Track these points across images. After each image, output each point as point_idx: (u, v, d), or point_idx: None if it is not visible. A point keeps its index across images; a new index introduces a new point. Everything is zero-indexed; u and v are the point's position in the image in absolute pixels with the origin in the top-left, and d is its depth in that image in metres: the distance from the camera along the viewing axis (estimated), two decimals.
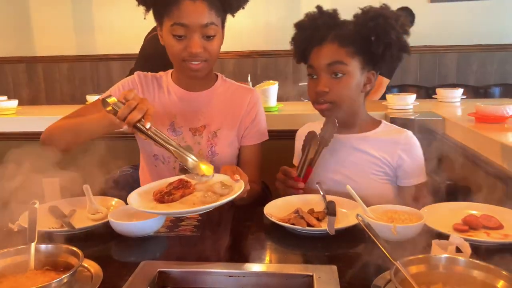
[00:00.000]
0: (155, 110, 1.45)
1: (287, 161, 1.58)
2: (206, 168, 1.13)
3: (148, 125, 1.11)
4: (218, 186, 1.12)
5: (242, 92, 1.55)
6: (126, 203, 1.25)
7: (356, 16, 1.38)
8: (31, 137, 2.28)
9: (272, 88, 2.29)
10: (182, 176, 1.17)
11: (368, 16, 1.34)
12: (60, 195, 1.53)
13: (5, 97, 2.74)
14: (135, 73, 1.54)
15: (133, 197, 1.14)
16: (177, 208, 1.09)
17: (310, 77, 1.40)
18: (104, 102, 1.12)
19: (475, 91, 3.73)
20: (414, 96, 2.33)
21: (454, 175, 1.51)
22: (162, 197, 1.11)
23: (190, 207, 1.08)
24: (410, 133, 1.45)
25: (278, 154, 1.60)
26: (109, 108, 1.12)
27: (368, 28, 1.32)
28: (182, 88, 1.51)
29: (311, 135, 1.41)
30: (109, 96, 1.13)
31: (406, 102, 2.29)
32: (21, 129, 2.35)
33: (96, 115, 1.28)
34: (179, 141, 1.47)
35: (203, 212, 1.10)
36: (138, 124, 1.11)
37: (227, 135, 1.50)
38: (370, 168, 1.41)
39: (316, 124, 1.52)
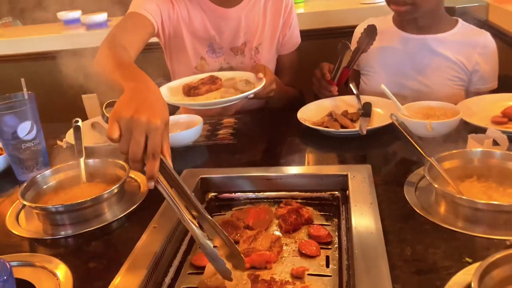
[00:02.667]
0: (193, 32, 1.39)
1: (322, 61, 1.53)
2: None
3: (151, 184, 0.70)
4: (242, 84, 1.17)
5: None
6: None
7: None
8: None
9: None
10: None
11: None
12: (100, 110, 1.59)
13: None
14: None
15: (163, 89, 1.22)
16: (200, 101, 1.16)
17: None
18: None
19: None
20: None
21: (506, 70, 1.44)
22: (189, 91, 1.18)
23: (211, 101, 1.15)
24: (489, 35, 1.35)
25: (311, 56, 1.56)
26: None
27: None
28: (215, 4, 1.39)
29: (344, 46, 1.31)
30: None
31: None
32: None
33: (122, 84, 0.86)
34: (220, 63, 1.43)
35: (223, 105, 1.17)
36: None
37: (269, 48, 1.46)
38: (446, 74, 1.34)
39: (379, 19, 1.43)
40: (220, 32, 1.42)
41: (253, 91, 1.13)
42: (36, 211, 0.89)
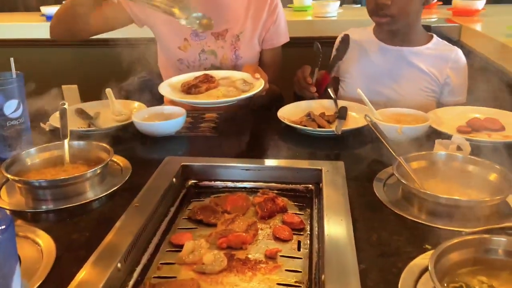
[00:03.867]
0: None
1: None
2: (208, 22, 1.19)
3: None
4: (240, 83, 1.23)
5: None
6: (148, 105, 1.33)
7: None
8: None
9: None
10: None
11: None
12: (80, 101, 1.60)
13: None
14: None
15: (164, 87, 1.25)
16: (203, 99, 1.21)
17: None
18: None
19: None
20: (338, 3, 2.30)
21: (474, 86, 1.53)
22: (190, 89, 1.23)
23: (214, 99, 1.20)
24: (460, 52, 1.44)
25: (293, 62, 1.63)
26: None
27: None
28: None
29: (317, 46, 1.40)
30: None
31: (331, 9, 2.26)
32: None
33: None
34: (202, 46, 1.51)
35: (226, 104, 1.21)
36: None
37: (250, 38, 1.53)
38: (420, 84, 1.42)
39: (361, 30, 1.51)
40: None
41: (257, 90, 1.20)
42: (19, 185, 0.91)
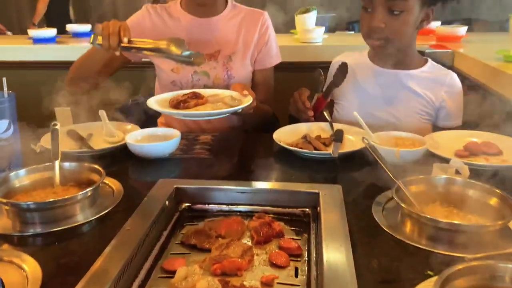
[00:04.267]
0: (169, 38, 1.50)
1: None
2: (200, 58, 1.25)
3: (126, 40, 1.19)
4: (229, 99, 1.23)
5: (253, 16, 1.57)
6: (141, 128, 1.32)
7: None
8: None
9: (312, 14, 2.44)
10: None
11: None
12: (72, 124, 1.58)
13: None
14: (144, 5, 1.57)
15: (152, 102, 1.25)
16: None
17: (364, 10, 1.33)
18: (92, 41, 1.24)
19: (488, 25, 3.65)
20: (323, 29, 2.35)
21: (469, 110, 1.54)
22: (178, 104, 1.23)
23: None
24: (455, 75, 1.44)
25: (289, 85, 1.63)
26: (97, 43, 1.23)
27: None
28: (192, 15, 1.52)
29: (318, 73, 1.40)
30: (94, 35, 1.24)
31: (316, 35, 2.30)
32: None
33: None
34: (194, 67, 1.52)
35: (215, 117, 1.22)
36: (122, 45, 1.20)
37: (242, 58, 1.53)
38: (415, 107, 1.42)
39: (355, 54, 1.52)
40: (196, 40, 1.52)
41: (244, 105, 1.21)
42: (6, 207, 0.88)
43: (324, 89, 1.42)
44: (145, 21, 1.53)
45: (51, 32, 2.52)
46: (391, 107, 1.42)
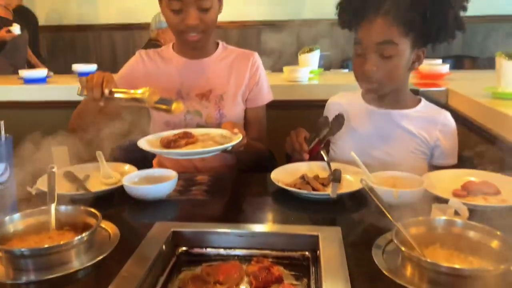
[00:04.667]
0: (162, 80, 1.54)
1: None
2: (177, 105, 1.24)
3: (106, 91, 1.20)
4: (219, 137, 1.25)
5: (244, 56, 1.61)
6: (138, 169, 1.31)
7: None
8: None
9: (316, 53, 2.55)
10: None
11: None
12: (69, 164, 1.57)
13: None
14: (137, 51, 1.61)
15: (142, 142, 1.25)
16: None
17: (356, 52, 1.35)
18: (80, 93, 1.25)
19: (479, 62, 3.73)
20: (308, 68, 2.41)
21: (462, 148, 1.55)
22: (169, 144, 1.23)
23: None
24: (448, 114, 1.46)
25: (284, 123, 1.64)
26: (84, 95, 1.25)
27: (424, 5, 1.25)
28: (184, 57, 1.56)
29: (325, 122, 1.40)
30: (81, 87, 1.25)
31: (301, 75, 2.36)
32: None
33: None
34: (187, 107, 1.54)
35: (205, 155, 1.22)
36: (105, 96, 1.21)
37: (233, 97, 1.56)
38: (410, 146, 1.42)
39: (349, 94, 1.54)
40: (188, 80, 1.55)
41: (233, 143, 1.21)
42: (0, 253, 0.86)
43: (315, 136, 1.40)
44: (138, 67, 1.58)
45: (42, 72, 2.58)
46: (386, 146, 1.43)
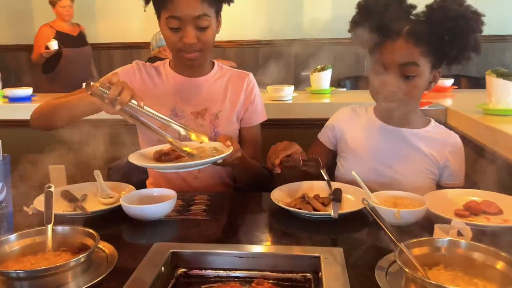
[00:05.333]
0: (157, 96, 1.54)
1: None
2: (200, 137, 1.23)
3: (137, 102, 1.13)
4: (211, 151, 1.23)
5: (239, 77, 1.61)
6: (136, 189, 1.30)
7: (430, 8, 1.29)
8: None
9: (328, 72, 2.60)
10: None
11: (447, 15, 1.25)
12: (66, 182, 1.56)
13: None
14: (134, 61, 1.60)
15: (134, 156, 1.23)
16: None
17: (375, 71, 1.34)
18: (87, 85, 1.12)
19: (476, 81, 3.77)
20: (292, 87, 2.44)
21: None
22: (160, 157, 1.22)
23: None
24: (457, 136, 1.47)
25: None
26: (92, 91, 1.12)
27: (446, 28, 1.26)
28: (180, 75, 1.56)
29: (313, 160, 1.35)
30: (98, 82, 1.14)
31: (284, 94, 2.39)
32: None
33: (80, 94, 1.36)
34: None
35: (193, 168, 1.20)
36: (131, 103, 1.12)
37: (228, 116, 1.56)
38: (420, 165, 1.42)
39: (362, 108, 1.54)
40: (183, 98, 1.54)
41: (223, 155, 1.19)
42: None
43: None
44: (134, 74, 1.55)
45: (27, 91, 2.60)
46: (396, 164, 1.43)
